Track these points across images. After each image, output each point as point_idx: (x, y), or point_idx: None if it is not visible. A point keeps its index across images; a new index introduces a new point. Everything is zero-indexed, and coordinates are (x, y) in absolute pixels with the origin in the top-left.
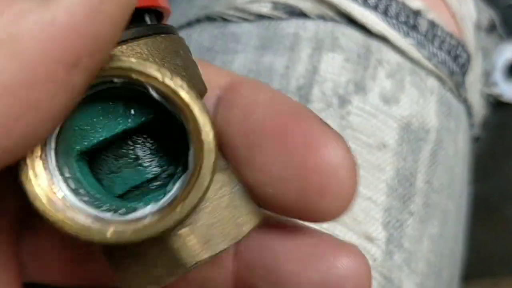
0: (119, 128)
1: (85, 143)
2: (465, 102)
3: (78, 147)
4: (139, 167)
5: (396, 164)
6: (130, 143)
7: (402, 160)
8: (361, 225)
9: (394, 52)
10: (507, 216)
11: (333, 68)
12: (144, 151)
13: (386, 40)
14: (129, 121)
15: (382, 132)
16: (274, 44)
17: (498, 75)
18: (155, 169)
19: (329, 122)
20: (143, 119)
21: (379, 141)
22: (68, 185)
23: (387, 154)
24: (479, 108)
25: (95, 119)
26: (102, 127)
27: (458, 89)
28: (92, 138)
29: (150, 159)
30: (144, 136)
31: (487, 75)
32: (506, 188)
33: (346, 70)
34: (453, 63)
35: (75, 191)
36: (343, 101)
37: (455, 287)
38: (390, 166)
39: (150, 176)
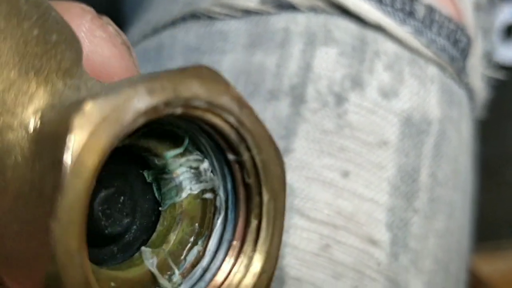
0: None
1: None
2: (466, 87)
3: None
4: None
5: (398, 160)
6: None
7: (404, 156)
8: (364, 228)
9: (391, 42)
10: (508, 178)
11: (327, 63)
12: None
13: (382, 30)
14: None
15: (382, 128)
16: (264, 41)
17: (495, 38)
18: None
19: (325, 122)
20: None
21: (379, 139)
22: None
23: (388, 151)
24: (481, 91)
25: None
26: None
27: (459, 75)
28: None
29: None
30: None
31: (488, 56)
32: (505, 151)
33: (341, 65)
34: (453, 48)
35: None
36: (340, 99)
37: (463, 280)
38: (391, 164)
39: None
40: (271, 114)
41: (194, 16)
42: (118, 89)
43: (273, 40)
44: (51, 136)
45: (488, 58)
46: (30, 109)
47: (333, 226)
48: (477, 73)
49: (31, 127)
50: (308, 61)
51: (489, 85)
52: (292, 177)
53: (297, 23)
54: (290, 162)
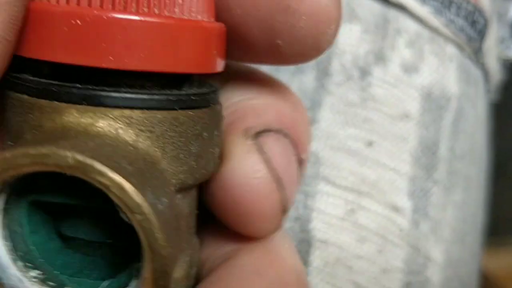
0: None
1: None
2: (482, 68)
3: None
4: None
5: (419, 133)
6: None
7: (424, 130)
8: (387, 195)
9: (412, 21)
10: None
11: (351, 39)
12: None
13: (403, 9)
14: None
15: (404, 102)
16: None
17: (506, 33)
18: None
19: (349, 94)
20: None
21: (401, 112)
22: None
23: (410, 124)
24: (496, 73)
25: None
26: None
27: (476, 55)
28: None
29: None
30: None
31: (502, 40)
32: (510, 147)
33: (365, 41)
34: (470, 29)
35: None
36: (364, 73)
37: (478, 253)
38: (413, 136)
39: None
40: (296, 87)
41: None
42: None
43: None
44: None
45: (502, 42)
46: None
47: (357, 192)
48: (493, 55)
49: None
50: None
51: (503, 67)
52: (318, 147)
53: None
54: (315, 132)
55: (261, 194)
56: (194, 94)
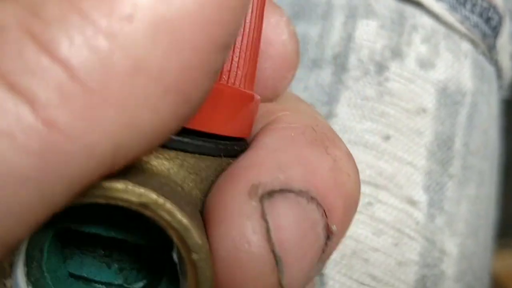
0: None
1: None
2: (496, 64)
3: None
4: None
5: (434, 128)
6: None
7: (440, 124)
8: (403, 189)
9: (428, 17)
10: None
11: (368, 35)
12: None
13: (419, 5)
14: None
15: (420, 97)
16: (307, 13)
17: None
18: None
19: (367, 89)
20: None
21: (417, 106)
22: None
23: (426, 118)
24: (508, 70)
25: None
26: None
27: (490, 51)
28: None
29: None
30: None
31: None
32: None
33: (381, 36)
34: (485, 25)
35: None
36: (380, 68)
37: (490, 247)
38: (429, 130)
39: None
40: (314, 82)
41: None
42: None
43: (316, 12)
44: None
45: None
46: None
47: (374, 186)
48: (506, 52)
49: None
50: (349, 32)
51: None
52: None
53: None
54: (333, 126)
55: (250, 273)
56: (235, 144)
